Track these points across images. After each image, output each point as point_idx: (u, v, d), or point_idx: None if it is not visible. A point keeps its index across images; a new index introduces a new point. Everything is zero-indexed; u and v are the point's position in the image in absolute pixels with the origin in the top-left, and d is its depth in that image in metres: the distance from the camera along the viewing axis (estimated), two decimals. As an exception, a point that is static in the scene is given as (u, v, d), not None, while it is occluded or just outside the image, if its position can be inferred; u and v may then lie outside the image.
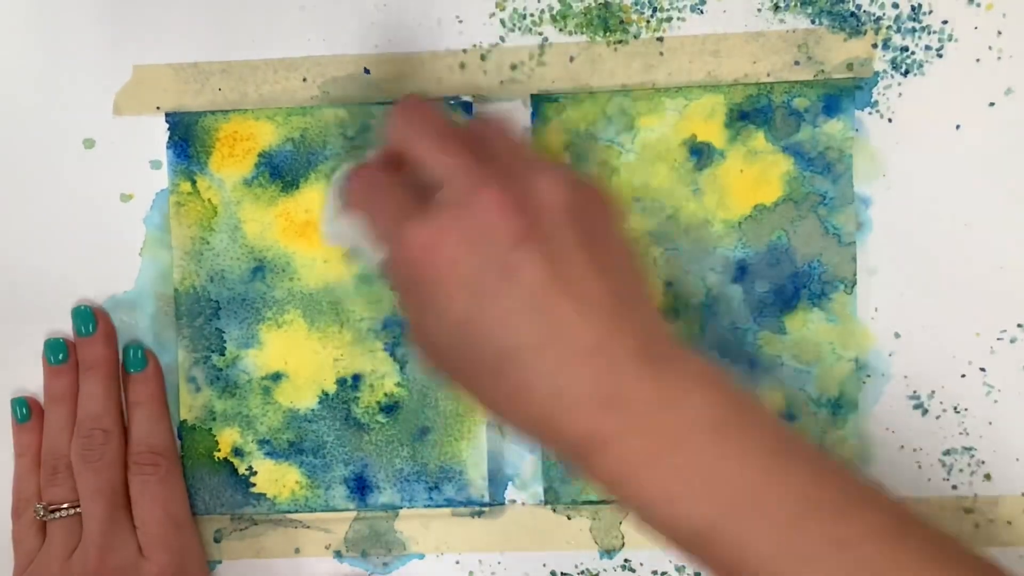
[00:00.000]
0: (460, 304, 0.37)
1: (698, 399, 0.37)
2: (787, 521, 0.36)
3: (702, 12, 0.49)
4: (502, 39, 0.50)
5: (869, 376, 0.50)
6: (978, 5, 0.49)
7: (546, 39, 0.50)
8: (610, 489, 0.38)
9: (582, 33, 0.50)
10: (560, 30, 0.50)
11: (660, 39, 0.50)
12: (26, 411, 0.52)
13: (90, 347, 0.51)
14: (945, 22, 0.49)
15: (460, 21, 0.50)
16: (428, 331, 0.39)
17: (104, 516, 0.49)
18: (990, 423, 0.50)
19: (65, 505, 0.50)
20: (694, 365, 0.38)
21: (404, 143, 0.41)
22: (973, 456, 0.50)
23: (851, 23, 0.49)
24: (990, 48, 0.49)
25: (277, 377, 0.51)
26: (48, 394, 0.52)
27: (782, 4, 0.49)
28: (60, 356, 0.51)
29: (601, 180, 0.43)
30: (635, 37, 0.50)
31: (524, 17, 0.50)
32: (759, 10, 0.49)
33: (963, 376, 0.50)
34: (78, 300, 0.52)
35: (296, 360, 0.51)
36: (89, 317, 0.51)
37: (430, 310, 0.38)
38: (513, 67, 0.50)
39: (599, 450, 0.37)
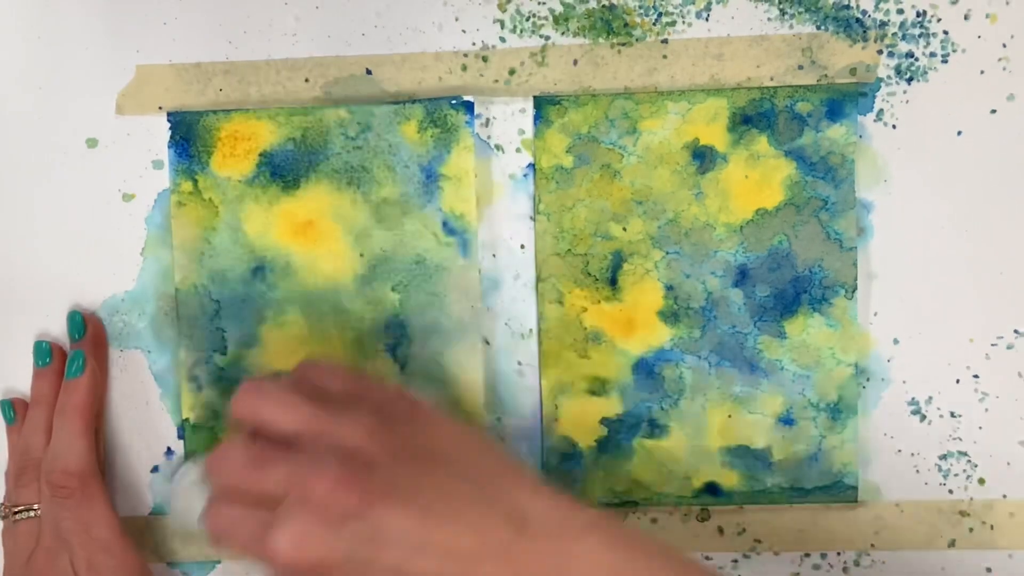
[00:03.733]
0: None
1: (587, 553, 0.39)
2: None
3: (707, 19, 0.48)
4: (502, 39, 0.49)
5: (868, 381, 0.49)
6: (986, 16, 0.48)
7: (548, 41, 0.49)
8: None
9: (584, 35, 0.49)
10: (563, 33, 0.49)
11: (664, 42, 0.48)
12: (11, 413, 0.51)
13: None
14: (947, 32, 0.48)
15: (461, 22, 0.49)
16: None
17: (55, 524, 0.48)
18: (983, 428, 0.49)
19: (31, 506, 0.49)
20: (575, 518, 0.40)
21: (233, 487, 0.41)
22: (968, 461, 0.49)
23: (856, 29, 0.48)
24: (994, 57, 0.48)
25: (277, 377, 0.50)
26: (31, 396, 0.51)
27: (788, 11, 0.48)
28: (45, 359, 0.50)
29: (397, 387, 0.45)
30: (638, 40, 0.49)
31: (527, 19, 0.49)
32: (768, 19, 0.48)
33: (958, 381, 0.49)
34: (76, 301, 0.51)
35: (297, 359, 0.50)
36: (79, 323, 0.50)
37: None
38: (514, 69, 0.49)
39: None
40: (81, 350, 0.50)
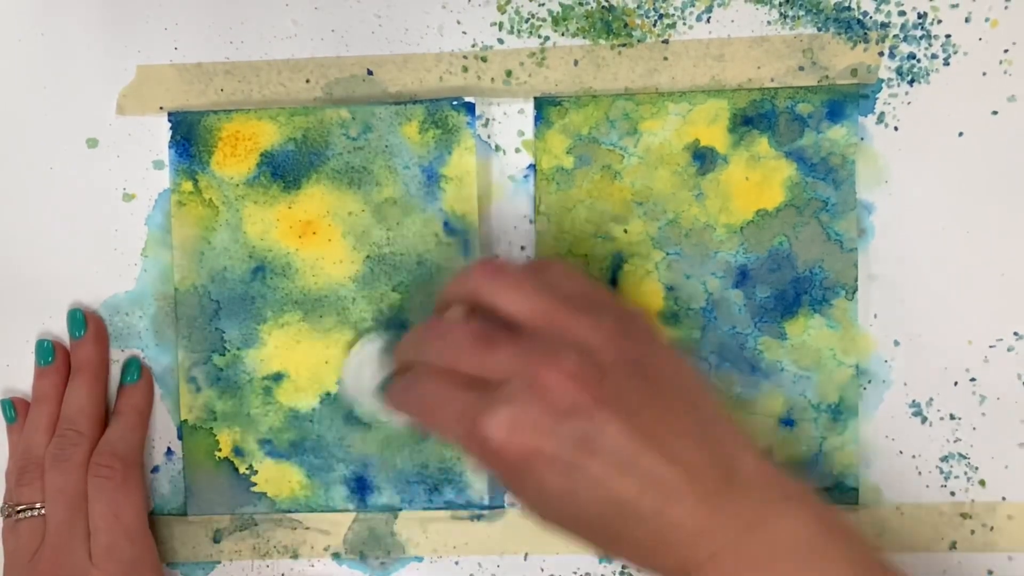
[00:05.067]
0: (552, 481, 0.37)
1: (785, 523, 0.38)
2: None
3: (708, 21, 0.48)
4: (500, 41, 0.49)
5: (869, 382, 0.48)
6: (986, 20, 0.47)
7: (548, 41, 0.48)
8: None
9: (584, 36, 0.48)
10: (562, 34, 0.48)
11: (665, 42, 0.48)
12: (12, 412, 0.51)
13: (79, 350, 0.50)
14: (948, 35, 0.47)
15: (462, 23, 0.49)
16: (532, 502, 0.39)
17: (62, 519, 0.47)
18: (983, 430, 0.48)
19: (33, 505, 0.48)
20: (781, 486, 0.38)
21: (452, 364, 0.40)
22: (968, 463, 0.48)
23: (857, 30, 0.48)
24: (995, 59, 0.47)
25: (278, 377, 0.50)
26: (33, 395, 0.50)
27: (789, 14, 0.48)
28: (48, 358, 0.50)
29: (639, 308, 0.43)
30: (639, 41, 0.48)
31: (526, 20, 0.49)
32: (768, 22, 0.48)
33: (956, 384, 0.48)
34: (76, 300, 0.50)
35: (297, 360, 0.50)
36: (80, 320, 0.50)
37: (527, 489, 0.39)
38: (514, 70, 0.49)
39: (695, 575, 0.38)
40: (138, 358, 0.50)
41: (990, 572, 0.48)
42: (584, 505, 0.38)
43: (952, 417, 0.48)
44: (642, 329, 0.40)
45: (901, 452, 0.48)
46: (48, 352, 0.50)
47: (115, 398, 0.50)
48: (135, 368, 0.50)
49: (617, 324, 0.39)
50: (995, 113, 0.47)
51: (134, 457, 0.49)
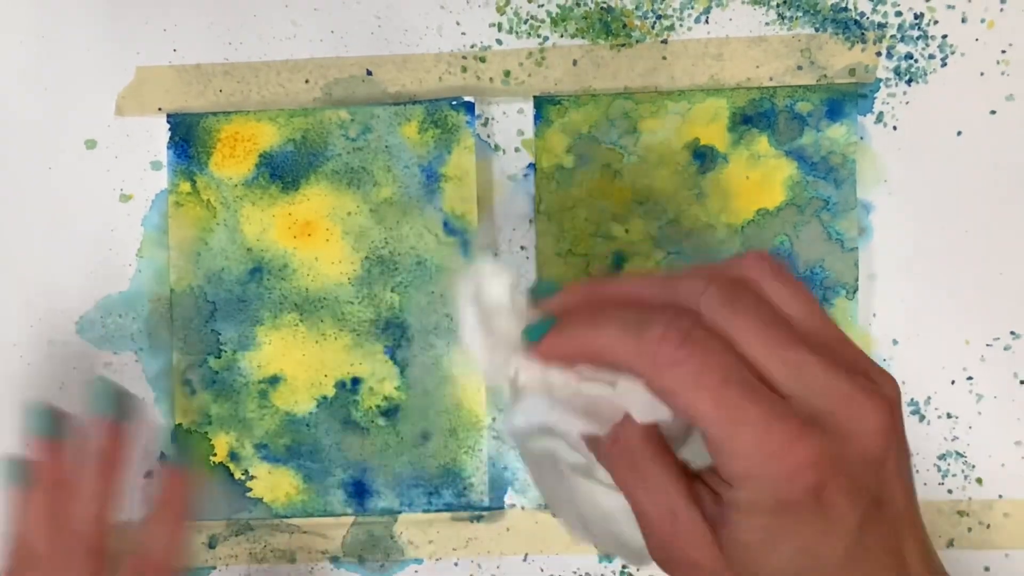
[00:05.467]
0: (837, 541, 0.30)
1: None
2: None
3: (706, 22, 0.48)
4: (498, 42, 0.49)
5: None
6: (982, 20, 0.48)
7: (546, 41, 0.49)
8: None
9: (583, 37, 0.48)
10: (561, 35, 0.48)
11: (664, 42, 0.48)
12: (27, 475, 0.43)
13: (103, 431, 0.43)
14: (945, 36, 0.48)
15: (461, 24, 0.49)
16: (758, 563, 0.31)
17: None
18: (981, 429, 0.48)
19: None
20: None
21: (740, 333, 0.31)
22: (966, 461, 0.49)
23: (854, 31, 0.48)
24: (992, 59, 0.48)
25: (275, 380, 0.49)
26: (32, 473, 0.43)
27: (787, 15, 0.48)
28: (47, 428, 0.43)
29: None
30: (638, 42, 0.48)
31: (525, 21, 0.49)
32: (766, 23, 0.48)
33: (953, 383, 0.48)
34: (71, 300, 0.49)
35: (294, 363, 0.49)
36: (112, 396, 0.43)
37: (791, 541, 0.30)
38: (513, 70, 0.49)
39: None
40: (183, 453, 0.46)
41: (987, 569, 0.48)
42: (857, 565, 0.31)
43: (949, 416, 0.48)
44: (894, 395, 0.32)
45: (900, 451, 0.48)
46: (46, 420, 0.43)
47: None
48: (185, 459, 0.45)
49: (895, 410, 0.31)
50: (993, 112, 0.48)
51: (177, 565, 0.42)
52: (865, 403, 0.30)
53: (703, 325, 0.30)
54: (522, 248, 0.49)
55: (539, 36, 0.48)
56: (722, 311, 0.30)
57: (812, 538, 0.30)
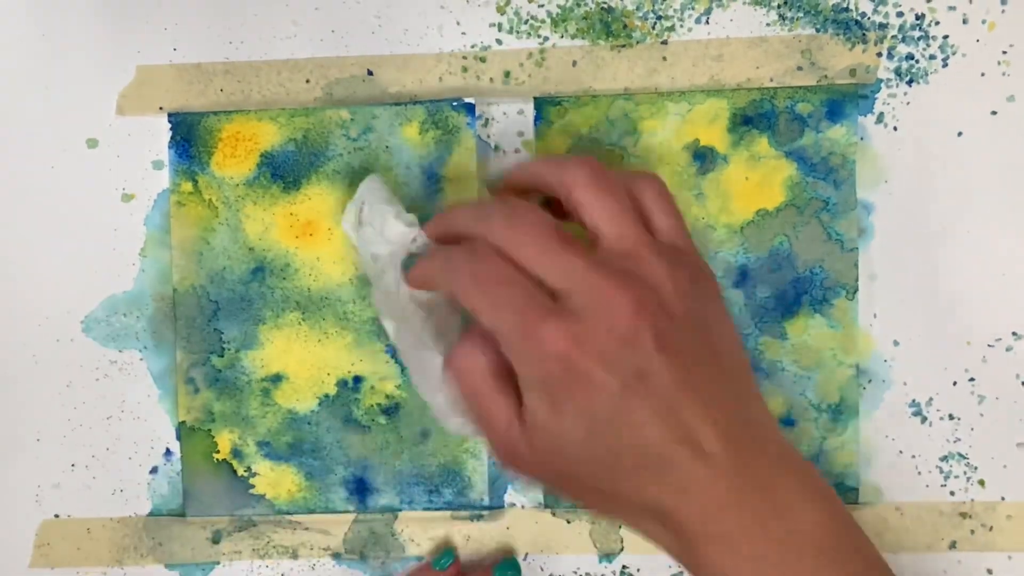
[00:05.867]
0: (604, 402, 0.36)
1: (806, 518, 0.36)
2: None
3: (707, 23, 0.48)
4: (498, 41, 0.49)
5: (870, 382, 0.48)
6: (983, 21, 0.47)
7: (547, 42, 0.48)
8: None
9: (583, 38, 0.48)
10: (561, 36, 0.48)
11: (664, 43, 0.48)
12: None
13: None
14: (947, 36, 0.47)
15: (461, 24, 0.49)
16: (559, 423, 0.37)
17: None
18: (982, 430, 0.48)
19: None
20: (805, 478, 0.38)
21: (518, 251, 0.38)
22: (968, 463, 0.48)
23: (855, 31, 0.47)
24: (994, 60, 0.47)
25: (277, 378, 0.49)
26: None
27: (787, 16, 0.48)
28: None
29: (709, 266, 0.41)
30: (638, 43, 0.48)
31: (525, 21, 0.48)
32: (767, 24, 0.48)
33: (955, 384, 0.48)
34: (75, 299, 0.50)
35: (296, 361, 0.49)
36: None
37: (563, 408, 0.37)
38: (513, 71, 0.48)
39: (705, 549, 0.37)
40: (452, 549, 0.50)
41: (990, 571, 0.48)
42: (620, 441, 0.36)
43: (951, 417, 0.48)
44: (711, 288, 0.40)
45: (901, 452, 0.48)
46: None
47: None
48: (449, 553, 0.49)
49: (692, 277, 0.38)
50: (994, 113, 0.47)
51: None
52: (615, 291, 0.36)
53: (487, 243, 0.38)
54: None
55: (539, 36, 0.48)
56: (502, 231, 0.38)
57: (583, 402, 0.36)
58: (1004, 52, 0.47)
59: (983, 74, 0.47)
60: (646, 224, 0.39)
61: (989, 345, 0.48)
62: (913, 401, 0.48)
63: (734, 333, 0.40)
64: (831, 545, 0.36)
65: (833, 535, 0.37)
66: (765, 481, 0.36)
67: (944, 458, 0.48)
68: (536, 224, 0.38)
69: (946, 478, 0.48)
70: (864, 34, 0.47)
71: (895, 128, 0.48)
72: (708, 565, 0.37)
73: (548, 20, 0.48)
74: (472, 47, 0.48)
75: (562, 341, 0.36)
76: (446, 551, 0.49)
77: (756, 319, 0.48)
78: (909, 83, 0.47)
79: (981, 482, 0.48)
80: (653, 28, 0.48)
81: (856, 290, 0.48)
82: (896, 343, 0.48)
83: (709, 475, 0.36)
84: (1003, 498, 0.48)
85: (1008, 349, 0.48)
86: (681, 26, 0.48)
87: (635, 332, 0.36)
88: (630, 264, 0.37)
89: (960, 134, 0.47)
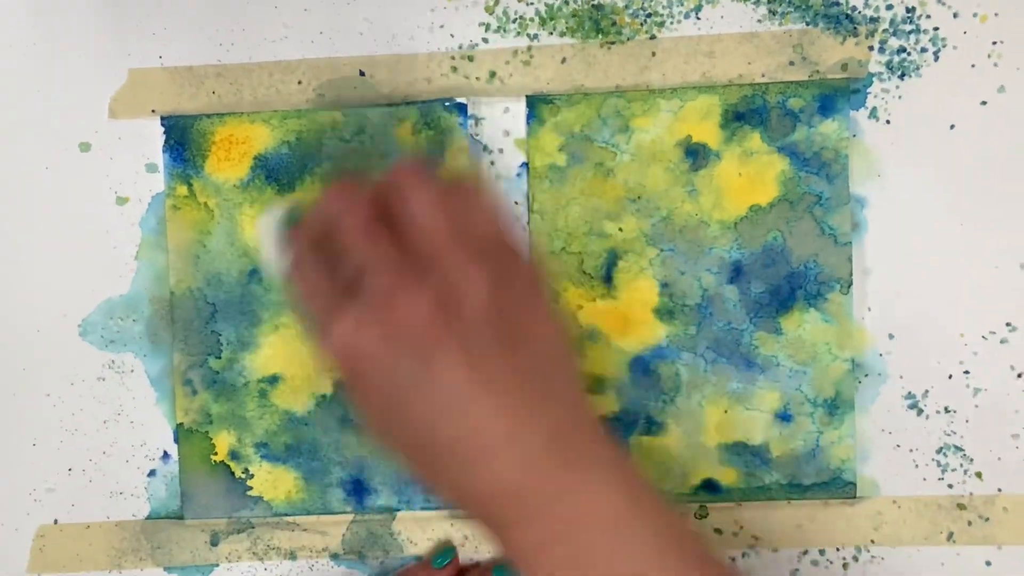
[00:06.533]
0: (380, 400, 0.38)
1: (596, 495, 0.37)
2: None
3: (697, 18, 0.48)
4: (486, 40, 0.48)
5: (865, 376, 0.48)
6: (974, 15, 0.47)
7: (536, 40, 0.48)
8: (516, 566, 0.39)
9: (572, 36, 0.48)
10: (550, 33, 0.48)
11: (653, 38, 0.48)
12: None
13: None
14: (937, 28, 0.47)
15: (449, 24, 0.48)
16: (363, 414, 0.40)
17: None
18: (978, 422, 0.48)
19: None
20: (601, 459, 0.38)
21: (330, 227, 0.40)
22: (964, 455, 0.48)
23: (846, 25, 0.47)
24: (984, 52, 0.47)
25: (274, 380, 0.49)
26: None
27: (778, 11, 0.47)
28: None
29: (533, 265, 0.41)
30: (628, 39, 0.48)
31: (514, 20, 0.48)
32: (757, 20, 0.47)
33: (950, 377, 0.48)
34: (73, 304, 0.50)
35: (293, 363, 0.49)
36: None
37: (358, 399, 0.39)
38: (503, 69, 0.48)
39: (502, 533, 0.38)
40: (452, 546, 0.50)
41: (988, 563, 0.48)
42: (408, 431, 0.38)
43: (947, 410, 0.48)
44: (524, 285, 0.40)
45: (898, 445, 0.48)
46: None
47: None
48: (449, 551, 0.49)
49: (498, 273, 0.38)
50: (984, 104, 0.47)
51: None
52: (408, 286, 0.37)
53: (310, 229, 0.41)
54: (516, 247, 0.49)
55: (528, 35, 0.48)
56: (325, 214, 0.40)
57: (374, 395, 0.38)
58: (994, 44, 0.47)
59: (974, 66, 0.47)
60: (463, 221, 0.40)
61: (983, 337, 0.47)
62: (909, 394, 0.48)
63: (549, 326, 0.40)
64: (615, 524, 0.37)
65: (616, 515, 0.37)
66: (553, 469, 0.37)
67: (940, 451, 0.48)
68: (358, 209, 0.39)
69: (943, 471, 0.48)
70: (855, 28, 0.47)
71: (887, 122, 0.47)
72: (510, 549, 0.39)
73: (536, 18, 0.48)
74: (460, 47, 0.48)
75: (345, 335, 0.37)
76: (445, 549, 0.49)
77: (751, 314, 0.48)
78: (901, 76, 0.47)
79: (978, 474, 0.48)
80: (643, 24, 0.47)
81: (850, 284, 0.47)
82: (891, 336, 0.48)
83: (498, 469, 0.37)
84: (1000, 490, 0.48)
85: (1002, 341, 0.47)
86: (671, 22, 0.47)
87: (418, 324, 0.37)
88: (434, 258, 0.38)
89: (952, 127, 0.47)
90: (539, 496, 0.37)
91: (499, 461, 0.37)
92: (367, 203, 0.40)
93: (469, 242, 0.39)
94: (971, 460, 0.48)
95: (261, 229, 0.46)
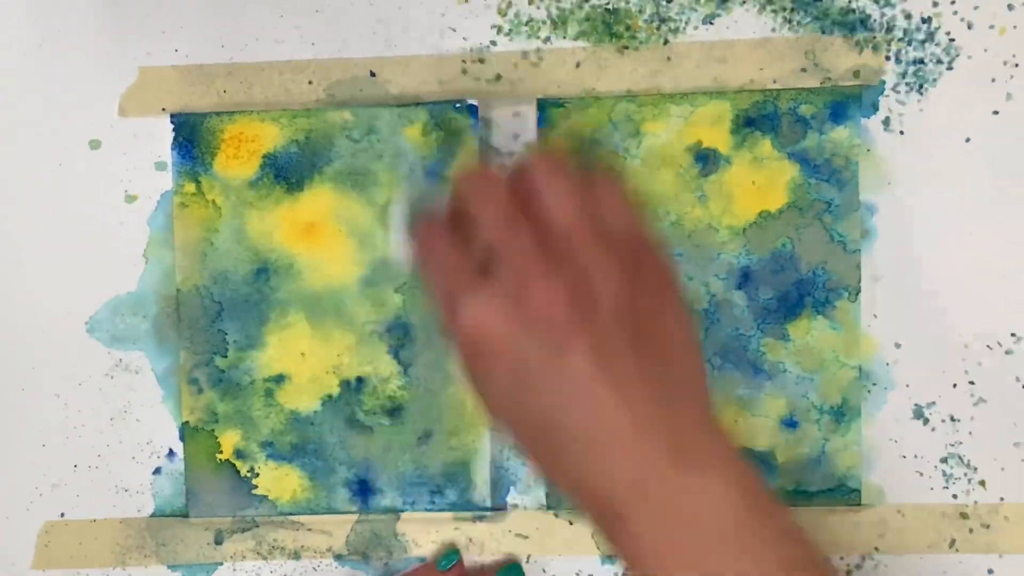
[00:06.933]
0: (506, 384, 0.37)
1: (715, 497, 0.37)
2: None
3: (711, 25, 0.47)
4: (494, 43, 0.48)
5: (872, 384, 0.48)
6: (991, 27, 0.47)
7: (549, 43, 0.48)
8: (625, 563, 0.38)
9: (586, 40, 0.48)
10: (563, 36, 0.48)
11: (666, 42, 0.47)
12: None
13: None
14: (952, 39, 0.47)
15: (462, 26, 0.48)
16: (483, 392, 0.39)
17: None
18: (983, 432, 0.48)
19: None
20: (723, 463, 0.38)
21: (468, 208, 0.40)
22: (968, 464, 0.48)
23: (860, 33, 0.47)
24: (999, 62, 0.47)
25: (280, 379, 0.49)
26: None
27: (793, 20, 0.47)
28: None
29: (665, 258, 0.41)
30: (641, 44, 0.47)
31: (526, 23, 0.48)
32: (772, 29, 0.47)
33: (955, 386, 0.48)
34: (80, 302, 0.49)
35: (299, 362, 0.49)
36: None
37: (481, 379, 0.39)
38: (515, 72, 0.48)
39: (618, 529, 0.37)
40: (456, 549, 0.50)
41: (990, 572, 0.48)
42: (532, 414, 0.37)
43: (952, 419, 0.48)
44: (657, 281, 0.40)
45: (903, 454, 0.48)
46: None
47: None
48: (454, 554, 0.49)
49: (633, 268, 0.38)
50: (996, 113, 0.47)
51: None
52: (542, 274, 0.37)
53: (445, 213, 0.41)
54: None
55: (540, 38, 0.48)
56: (465, 195, 0.40)
57: (499, 375, 0.38)
58: (1013, 55, 0.47)
59: (991, 79, 0.47)
60: (599, 214, 0.40)
61: (988, 347, 0.47)
62: (915, 403, 0.48)
63: (680, 324, 0.40)
64: (732, 528, 0.37)
65: (734, 519, 0.37)
66: (673, 466, 0.37)
67: (945, 460, 0.48)
68: (499, 196, 0.39)
69: (947, 480, 0.48)
70: (873, 37, 0.47)
71: (899, 131, 0.47)
72: (621, 546, 0.38)
73: (548, 22, 0.48)
74: (472, 50, 0.48)
75: (475, 315, 0.37)
76: (450, 551, 0.49)
77: (758, 321, 0.47)
78: (913, 86, 0.47)
79: (982, 483, 0.48)
80: (658, 29, 0.47)
81: (858, 292, 0.47)
82: (898, 345, 0.47)
83: (618, 459, 0.37)
84: (1002, 499, 0.48)
85: (1008, 352, 0.47)
86: (686, 27, 0.47)
87: (548, 313, 0.37)
88: (571, 251, 0.38)
89: (967, 139, 0.47)
90: (657, 494, 0.37)
91: (621, 455, 0.36)
92: (505, 190, 0.39)
93: (605, 235, 0.39)
94: (975, 469, 0.48)
95: (392, 216, 0.46)
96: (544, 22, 0.48)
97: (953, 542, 0.48)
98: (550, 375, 0.37)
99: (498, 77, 0.48)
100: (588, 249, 0.38)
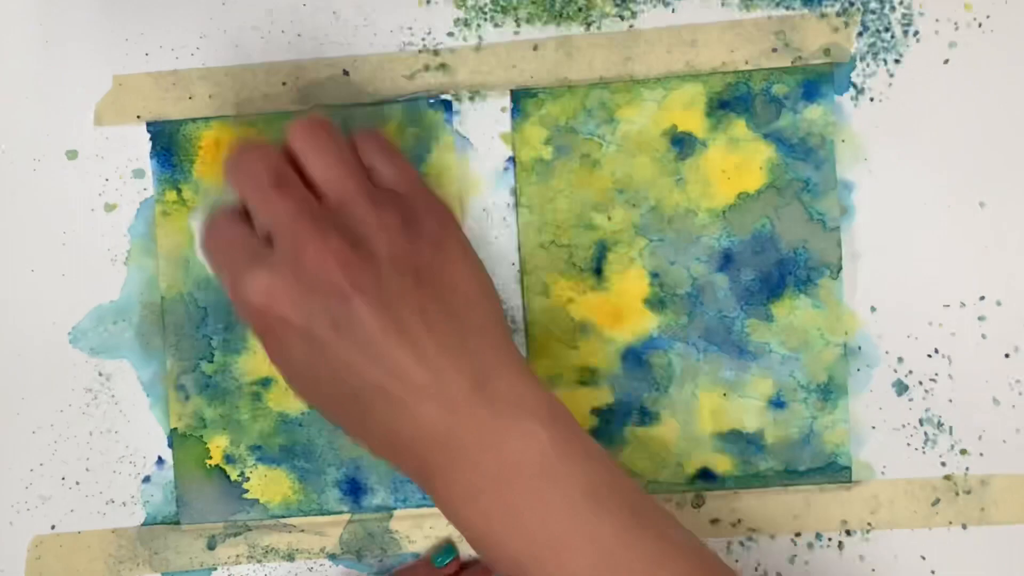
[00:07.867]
0: (299, 353, 0.38)
1: (521, 442, 0.37)
2: (590, 570, 0.36)
3: (673, 11, 0.47)
4: (451, 35, 0.48)
5: (858, 360, 0.47)
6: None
7: (517, 34, 0.47)
8: (444, 516, 0.39)
9: (539, 22, 0.47)
10: (515, 20, 0.47)
11: (631, 27, 0.47)
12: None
13: None
14: (922, 12, 0.47)
15: (426, 20, 0.48)
16: (284, 372, 0.40)
17: None
18: (970, 403, 0.47)
19: None
20: (529, 403, 0.38)
21: (239, 192, 0.40)
22: (958, 436, 0.47)
23: (827, 8, 0.47)
24: (970, 32, 0.46)
25: (267, 382, 0.48)
26: None
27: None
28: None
29: (444, 208, 0.41)
30: (602, 18, 0.47)
31: (482, 12, 0.47)
32: (722, 4, 0.47)
33: (942, 358, 0.47)
34: (63, 312, 0.49)
35: (285, 365, 0.48)
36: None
37: (277, 353, 0.39)
38: (486, 63, 0.47)
39: (430, 481, 0.38)
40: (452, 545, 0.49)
41: (982, 542, 0.47)
42: (330, 382, 0.38)
43: (938, 392, 0.47)
44: (436, 230, 0.40)
45: (891, 428, 0.47)
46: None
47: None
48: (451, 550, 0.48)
49: (407, 221, 0.39)
50: (970, 86, 0.46)
51: None
52: (311, 239, 0.37)
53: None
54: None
55: (509, 28, 0.47)
56: (231, 176, 0.41)
57: (290, 348, 0.38)
58: (980, 24, 0.46)
59: (956, 44, 0.46)
60: (368, 168, 0.40)
61: (979, 318, 0.47)
62: (900, 377, 0.47)
63: (465, 266, 0.40)
64: (540, 472, 0.36)
65: (542, 463, 0.37)
66: (480, 415, 0.37)
67: (933, 433, 0.47)
68: (265, 163, 0.39)
69: (937, 453, 0.47)
70: (836, 11, 0.46)
71: (872, 105, 0.47)
72: (438, 499, 0.38)
73: (499, 7, 0.47)
74: (440, 44, 0.48)
75: (258, 296, 0.37)
76: (447, 548, 0.48)
77: (741, 302, 0.47)
78: (884, 60, 0.47)
79: (963, 451, 0.47)
80: (617, 7, 0.47)
81: (840, 269, 0.47)
82: (881, 320, 0.47)
83: (426, 414, 0.37)
84: (994, 471, 0.47)
85: (983, 319, 0.47)
86: (644, 10, 0.47)
87: (326, 277, 0.37)
88: (340, 211, 0.38)
89: (937, 109, 0.47)
90: (466, 442, 0.37)
91: (423, 406, 0.37)
92: (271, 162, 0.39)
93: (374, 190, 0.39)
94: (964, 442, 0.47)
95: (193, 227, 0.45)
96: (507, 8, 0.47)
97: (946, 516, 0.47)
98: (339, 336, 0.37)
99: (470, 71, 0.48)
100: (358, 205, 0.38)
